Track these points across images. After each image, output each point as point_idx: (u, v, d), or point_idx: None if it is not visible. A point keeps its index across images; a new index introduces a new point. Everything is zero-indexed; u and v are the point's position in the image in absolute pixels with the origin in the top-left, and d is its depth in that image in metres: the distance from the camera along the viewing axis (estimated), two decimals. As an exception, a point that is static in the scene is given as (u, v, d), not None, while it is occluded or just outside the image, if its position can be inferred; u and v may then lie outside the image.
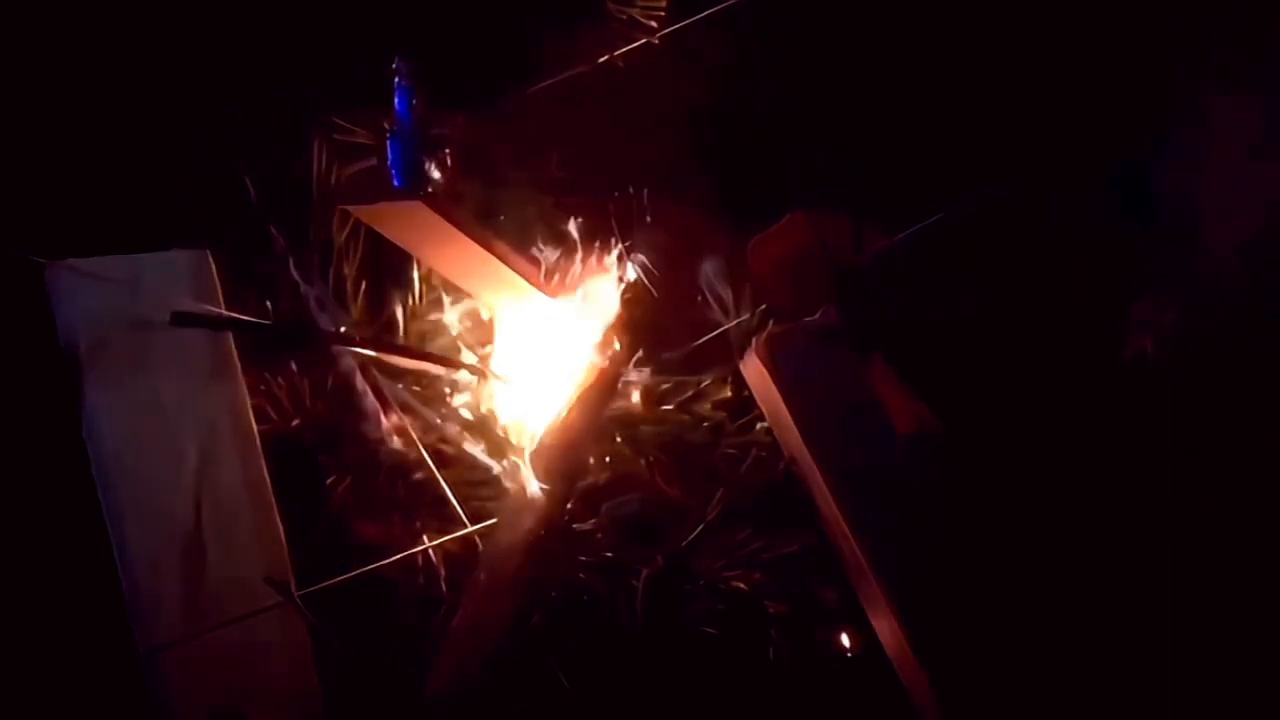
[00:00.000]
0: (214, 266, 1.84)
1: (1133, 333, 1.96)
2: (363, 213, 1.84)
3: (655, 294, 1.89)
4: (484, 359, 1.93)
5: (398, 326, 1.92)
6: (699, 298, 2.02)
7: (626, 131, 2.05)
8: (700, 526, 1.85)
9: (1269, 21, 1.95)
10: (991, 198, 2.00)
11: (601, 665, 1.79)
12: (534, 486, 1.75)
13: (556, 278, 1.91)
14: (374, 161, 1.90)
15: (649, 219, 2.01)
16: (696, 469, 1.90)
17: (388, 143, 1.80)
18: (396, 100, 1.80)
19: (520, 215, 1.98)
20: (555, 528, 1.75)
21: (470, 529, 1.78)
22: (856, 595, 1.86)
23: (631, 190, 2.01)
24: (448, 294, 1.94)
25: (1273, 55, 1.95)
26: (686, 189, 2.06)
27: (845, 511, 1.83)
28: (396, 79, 1.81)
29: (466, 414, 1.89)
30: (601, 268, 1.91)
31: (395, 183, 1.79)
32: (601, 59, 2.04)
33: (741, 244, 2.04)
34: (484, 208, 1.95)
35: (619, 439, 1.89)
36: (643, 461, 1.89)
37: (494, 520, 1.76)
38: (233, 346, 1.80)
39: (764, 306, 1.98)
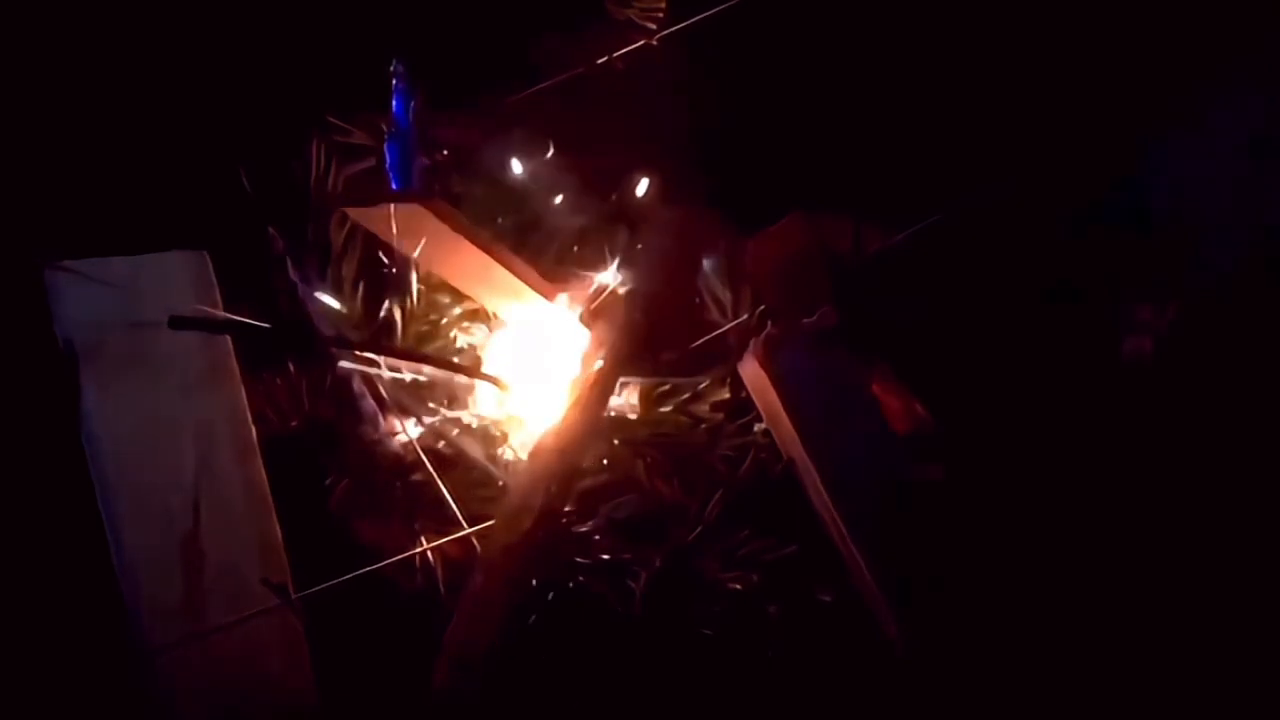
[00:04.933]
0: (212, 268, 1.84)
1: (1131, 334, 1.97)
2: (361, 215, 1.84)
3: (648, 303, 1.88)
4: (482, 361, 1.93)
5: (396, 328, 1.92)
6: (697, 298, 2.02)
7: (626, 132, 2.05)
8: (698, 528, 1.85)
9: (1266, 24, 1.95)
10: (990, 198, 2.00)
11: (600, 667, 1.79)
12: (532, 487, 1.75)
13: (554, 280, 1.90)
14: (372, 163, 1.91)
15: (648, 219, 2.01)
16: (694, 470, 1.90)
17: (386, 144, 1.80)
18: (395, 102, 1.80)
19: (518, 217, 1.98)
20: (553, 530, 1.74)
21: (468, 530, 1.77)
22: (855, 595, 1.86)
23: (631, 191, 2.01)
24: (446, 296, 1.95)
25: (1270, 56, 1.95)
26: (686, 189, 2.06)
27: (842, 512, 1.83)
28: (395, 80, 1.81)
29: (465, 416, 1.89)
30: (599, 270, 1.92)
31: (393, 185, 1.79)
32: (600, 60, 2.03)
33: (741, 244, 2.04)
34: (482, 209, 1.96)
35: (617, 441, 1.89)
36: (640, 463, 1.89)
37: (492, 522, 1.76)
38: (231, 348, 1.80)
39: (762, 307, 1.98)
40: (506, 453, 1.89)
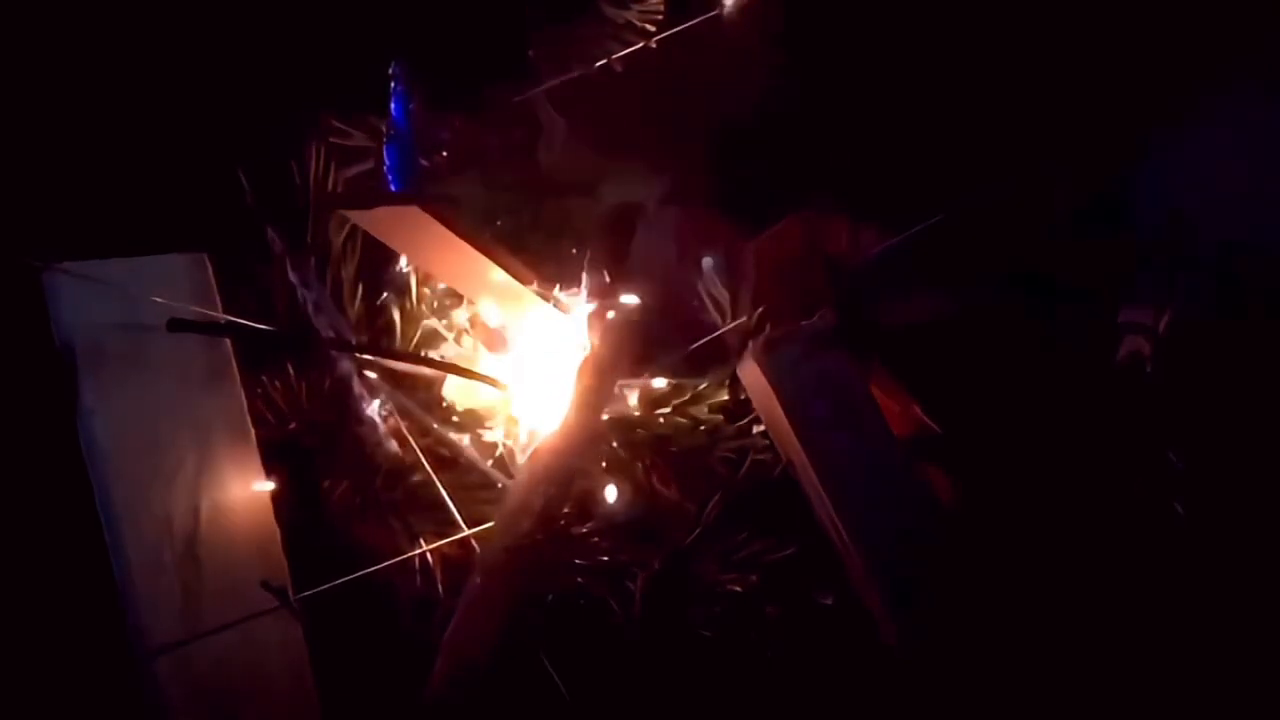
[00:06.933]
0: (212, 270, 1.84)
1: (1129, 335, 1.96)
2: (359, 217, 1.84)
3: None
4: (481, 363, 1.93)
5: (395, 330, 1.92)
6: (697, 300, 2.02)
7: (625, 133, 2.05)
8: (697, 530, 1.85)
9: (1266, 24, 1.94)
10: (989, 198, 1.99)
11: (599, 669, 1.79)
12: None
13: (553, 282, 1.90)
14: (371, 165, 1.91)
15: (647, 220, 2.01)
16: (694, 472, 1.90)
17: (384, 146, 1.80)
18: (393, 104, 1.80)
19: (517, 219, 1.98)
20: (552, 531, 1.74)
21: (467, 532, 1.78)
22: (854, 597, 1.87)
23: (630, 193, 2.01)
24: (445, 298, 1.95)
25: (1270, 56, 1.95)
26: (686, 190, 2.06)
27: (842, 515, 1.83)
28: (393, 82, 1.81)
29: (463, 418, 1.90)
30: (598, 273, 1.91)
31: (392, 186, 1.79)
32: (599, 62, 2.03)
33: (740, 245, 2.04)
34: (481, 211, 1.96)
35: (615, 443, 1.89)
36: (640, 465, 1.89)
37: (491, 524, 1.76)
38: (230, 350, 1.80)
39: (762, 309, 1.98)
40: (505, 454, 1.89)
